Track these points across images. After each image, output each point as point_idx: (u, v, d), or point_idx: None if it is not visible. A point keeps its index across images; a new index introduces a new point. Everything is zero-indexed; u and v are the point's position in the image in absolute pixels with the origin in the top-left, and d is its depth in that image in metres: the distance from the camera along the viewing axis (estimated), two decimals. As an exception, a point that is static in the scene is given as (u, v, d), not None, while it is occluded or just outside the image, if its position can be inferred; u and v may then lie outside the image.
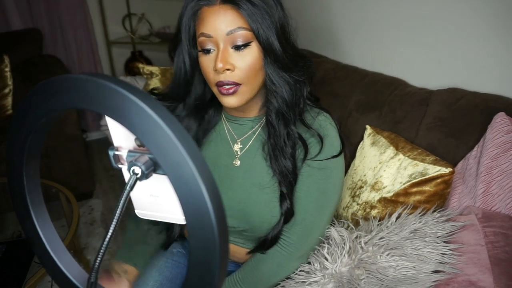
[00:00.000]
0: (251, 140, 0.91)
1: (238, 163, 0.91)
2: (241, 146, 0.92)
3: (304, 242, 0.87)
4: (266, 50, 0.77)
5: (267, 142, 0.87)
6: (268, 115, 0.85)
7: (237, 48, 0.77)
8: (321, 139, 0.84)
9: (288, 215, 0.85)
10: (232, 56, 0.77)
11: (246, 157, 0.91)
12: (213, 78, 0.80)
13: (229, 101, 0.81)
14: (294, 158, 0.85)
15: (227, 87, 0.79)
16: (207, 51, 0.79)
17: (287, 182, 0.84)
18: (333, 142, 0.86)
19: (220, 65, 0.76)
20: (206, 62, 0.79)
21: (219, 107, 0.95)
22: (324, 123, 0.87)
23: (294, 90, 0.83)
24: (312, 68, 0.87)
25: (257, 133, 0.91)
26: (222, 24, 0.75)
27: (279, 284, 0.90)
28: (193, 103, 0.90)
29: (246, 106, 0.86)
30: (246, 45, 0.77)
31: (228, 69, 0.77)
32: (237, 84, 0.79)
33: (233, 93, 0.79)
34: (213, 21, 0.76)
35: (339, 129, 0.89)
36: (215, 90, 0.82)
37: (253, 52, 0.78)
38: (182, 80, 0.86)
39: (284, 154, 0.84)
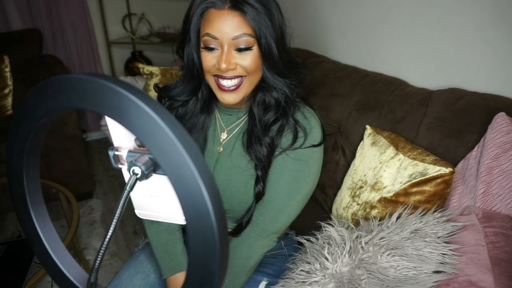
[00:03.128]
0: (236, 129, 0.97)
1: (221, 149, 0.98)
2: (227, 134, 0.98)
3: (270, 222, 0.93)
4: (266, 55, 0.84)
5: (246, 130, 0.94)
6: (253, 106, 0.92)
7: (239, 50, 0.83)
8: (305, 134, 0.90)
9: (259, 196, 0.92)
10: (234, 57, 0.83)
11: (229, 143, 0.97)
12: (212, 70, 0.85)
13: (228, 98, 0.87)
14: (271, 147, 0.91)
15: (229, 83, 0.85)
16: (211, 49, 0.84)
17: (261, 166, 0.91)
18: (314, 132, 0.92)
19: (224, 65, 0.82)
20: (208, 57, 0.85)
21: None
22: (309, 115, 0.93)
23: (284, 94, 0.90)
24: (304, 76, 0.93)
25: (242, 123, 0.97)
26: (228, 29, 0.81)
27: (265, 274, 0.97)
28: (206, 98, 0.96)
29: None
30: (248, 48, 0.83)
31: (231, 69, 0.83)
32: (241, 77, 0.85)
33: (235, 90, 0.85)
34: (220, 24, 0.81)
35: (322, 123, 0.95)
36: (212, 82, 0.87)
37: (253, 54, 0.84)
38: (195, 76, 0.91)
39: (261, 141, 0.90)
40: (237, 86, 0.85)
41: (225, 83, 0.85)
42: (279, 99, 0.89)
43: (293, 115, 0.91)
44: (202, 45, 0.85)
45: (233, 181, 0.95)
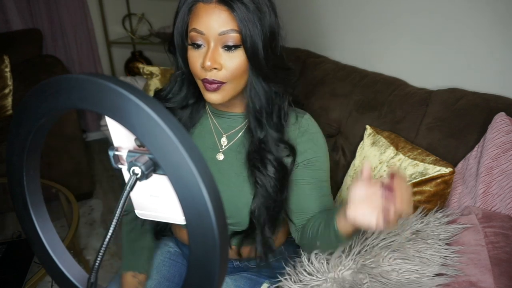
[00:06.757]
0: (238, 135, 0.92)
1: (221, 157, 0.92)
2: (227, 140, 0.92)
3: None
4: (250, 56, 0.79)
5: (249, 150, 0.88)
6: (250, 119, 0.87)
7: (228, 48, 0.79)
8: (293, 150, 0.87)
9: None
10: (221, 56, 0.79)
11: (232, 152, 0.92)
12: (200, 74, 0.81)
13: (212, 97, 0.82)
14: (281, 167, 0.86)
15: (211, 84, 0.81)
16: (197, 46, 0.80)
17: (277, 185, 0.86)
18: (318, 138, 0.92)
19: (208, 63, 0.77)
20: (195, 56, 0.81)
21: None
22: (311, 122, 0.92)
23: (272, 100, 0.85)
24: (293, 83, 0.89)
25: (245, 129, 0.92)
26: (215, 24, 0.77)
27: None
28: (193, 100, 0.92)
29: (232, 101, 0.87)
30: (236, 46, 0.78)
31: (215, 68, 0.79)
32: (221, 83, 0.80)
33: (216, 89, 0.81)
34: (207, 19, 0.77)
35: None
36: (200, 84, 0.83)
37: (242, 54, 0.79)
38: (187, 80, 0.88)
39: (265, 166, 0.85)
40: (218, 87, 0.81)
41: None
42: (257, 108, 0.84)
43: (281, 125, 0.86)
44: (189, 41, 0.81)
45: (247, 193, 0.89)
